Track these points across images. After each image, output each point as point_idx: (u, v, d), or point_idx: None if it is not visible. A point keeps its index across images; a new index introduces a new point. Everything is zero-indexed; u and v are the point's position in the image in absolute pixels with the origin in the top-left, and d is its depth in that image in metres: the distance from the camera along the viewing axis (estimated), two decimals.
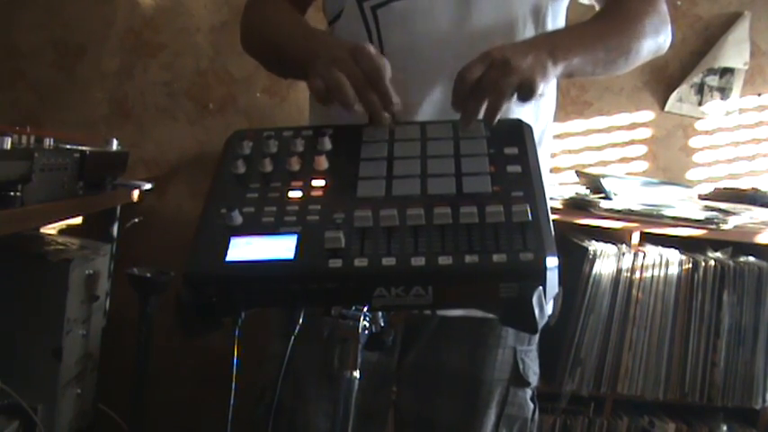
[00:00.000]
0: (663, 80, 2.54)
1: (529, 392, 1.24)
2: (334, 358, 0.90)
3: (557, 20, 1.19)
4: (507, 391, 1.21)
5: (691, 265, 2.12)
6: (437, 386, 1.22)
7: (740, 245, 2.20)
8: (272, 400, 1.12)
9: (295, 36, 1.11)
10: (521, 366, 1.22)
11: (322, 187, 0.85)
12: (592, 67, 1.09)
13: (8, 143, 1.38)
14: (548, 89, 1.02)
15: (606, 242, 2.13)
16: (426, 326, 1.21)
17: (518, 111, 1.04)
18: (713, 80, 2.56)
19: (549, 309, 1.22)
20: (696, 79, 2.54)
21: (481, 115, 0.94)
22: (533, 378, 1.25)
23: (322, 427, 1.17)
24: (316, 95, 0.95)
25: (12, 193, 1.42)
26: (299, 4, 1.24)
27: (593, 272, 2.09)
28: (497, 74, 0.93)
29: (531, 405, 1.24)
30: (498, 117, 0.94)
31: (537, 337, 1.26)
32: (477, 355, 1.21)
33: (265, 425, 1.13)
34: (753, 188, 2.48)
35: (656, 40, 1.18)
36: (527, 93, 0.95)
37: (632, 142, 2.58)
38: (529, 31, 1.15)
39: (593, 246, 2.10)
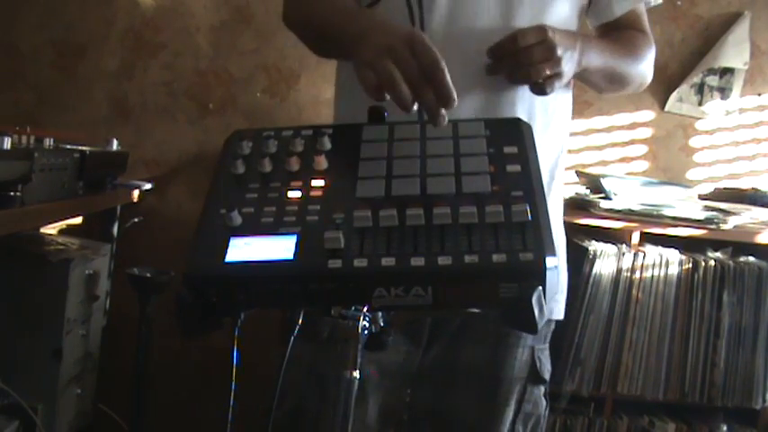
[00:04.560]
0: (663, 80, 2.54)
1: (542, 389, 1.26)
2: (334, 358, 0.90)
3: (577, 27, 1.24)
4: (525, 389, 1.23)
5: (691, 265, 2.12)
6: (457, 384, 1.23)
7: (740, 245, 2.20)
8: (293, 405, 1.12)
9: (341, 12, 1.07)
10: (538, 364, 1.24)
11: (321, 187, 0.85)
12: (599, 78, 1.19)
13: (8, 143, 1.38)
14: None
15: (606, 242, 2.13)
16: (449, 324, 1.22)
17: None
18: (713, 80, 2.56)
19: (561, 307, 1.25)
20: (696, 79, 2.54)
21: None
22: (547, 375, 1.27)
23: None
24: (366, 89, 0.88)
25: (12, 193, 1.42)
26: None
27: (593, 272, 2.08)
28: (544, 55, 1.02)
29: (544, 402, 1.26)
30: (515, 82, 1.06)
31: (550, 335, 1.29)
32: (499, 354, 1.22)
33: (288, 428, 1.13)
34: (753, 188, 2.48)
35: (646, 78, 1.29)
36: (548, 87, 1.05)
37: (632, 142, 2.58)
38: (576, 26, 1.23)
39: (593, 246, 2.10)
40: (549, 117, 1.19)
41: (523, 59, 1.03)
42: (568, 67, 1.06)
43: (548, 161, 1.20)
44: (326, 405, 1.18)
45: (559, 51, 1.04)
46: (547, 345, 1.28)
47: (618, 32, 1.26)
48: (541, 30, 1.04)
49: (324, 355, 1.09)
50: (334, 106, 1.26)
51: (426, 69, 0.85)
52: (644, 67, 1.27)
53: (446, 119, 0.86)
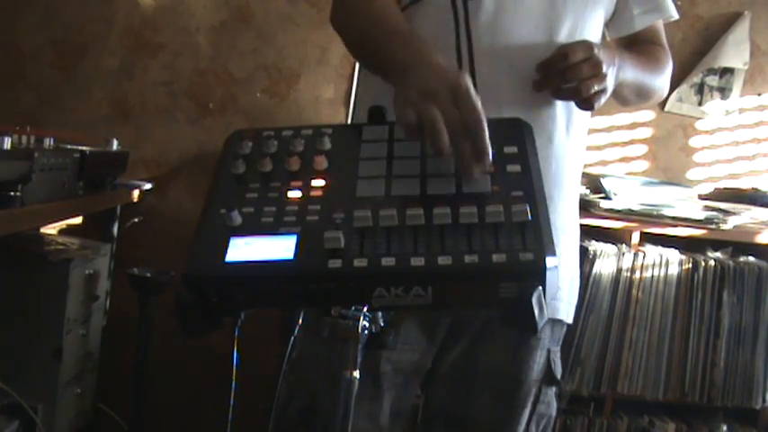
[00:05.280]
0: None
1: (555, 390, 1.27)
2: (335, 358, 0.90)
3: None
4: (540, 391, 1.24)
5: (691, 265, 2.12)
6: (476, 385, 1.23)
7: (740, 245, 2.20)
8: (305, 402, 1.12)
9: (389, 34, 1.03)
10: (553, 366, 1.25)
11: (321, 187, 0.85)
12: (630, 92, 1.23)
13: (8, 143, 1.38)
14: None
15: (606, 242, 2.13)
16: (469, 326, 1.23)
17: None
18: (713, 80, 2.56)
19: (571, 310, 1.26)
20: (696, 79, 2.54)
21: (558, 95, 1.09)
22: (559, 376, 1.28)
23: (362, 428, 1.17)
24: (404, 126, 0.85)
25: (12, 193, 1.42)
26: None
27: (594, 272, 2.08)
28: (591, 72, 1.05)
29: (555, 402, 1.28)
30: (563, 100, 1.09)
31: (561, 337, 1.29)
32: (520, 357, 1.22)
33: (299, 427, 1.13)
34: (753, 188, 2.48)
35: (665, 92, 1.34)
36: (593, 103, 1.08)
37: (632, 142, 2.58)
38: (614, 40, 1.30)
39: (593, 246, 2.10)
40: (581, 128, 1.22)
41: (572, 76, 1.06)
42: (611, 82, 1.10)
43: (576, 167, 1.24)
44: (338, 403, 1.19)
45: (605, 67, 1.07)
46: (559, 347, 1.29)
47: (639, 46, 1.29)
48: (589, 46, 1.07)
49: (338, 353, 1.10)
50: (357, 95, 1.24)
51: (468, 122, 0.83)
52: (664, 81, 1.32)
53: (479, 173, 0.83)
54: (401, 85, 0.89)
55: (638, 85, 1.24)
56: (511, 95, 1.12)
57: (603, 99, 1.10)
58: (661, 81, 1.31)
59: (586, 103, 1.09)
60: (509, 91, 1.12)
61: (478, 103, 0.84)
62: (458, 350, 1.24)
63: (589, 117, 1.26)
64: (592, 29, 1.20)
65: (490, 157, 0.83)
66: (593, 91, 1.07)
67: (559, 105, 1.17)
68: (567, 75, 1.07)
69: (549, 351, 1.24)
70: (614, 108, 2.54)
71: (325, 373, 1.12)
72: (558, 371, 1.28)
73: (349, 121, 2.37)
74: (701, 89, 2.56)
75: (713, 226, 2.12)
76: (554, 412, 1.27)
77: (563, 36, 1.15)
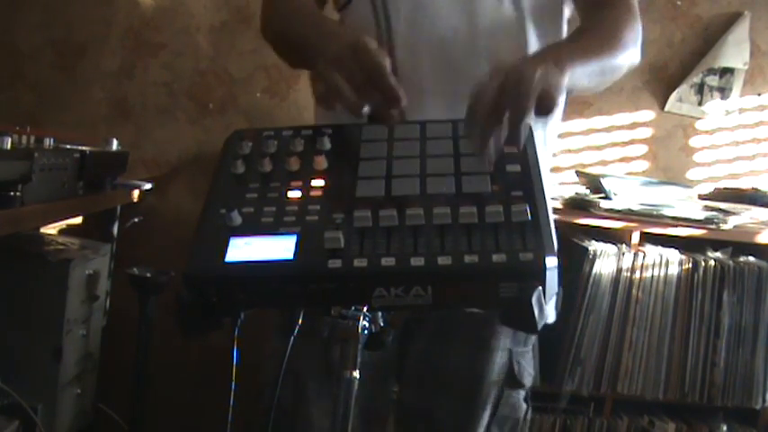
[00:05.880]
0: (663, 80, 2.54)
1: (522, 393, 1.24)
2: (335, 358, 0.90)
3: (557, 21, 1.20)
4: (501, 393, 1.21)
5: (691, 265, 2.12)
6: (439, 385, 1.22)
7: (740, 245, 2.20)
8: (271, 400, 1.12)
9: (301, 25, 1.08)
10: (516, 368, 1.22)
11: (321, 187, 0.85)
12: (587, 80, 1.08)
13: (8, 143, 1.39)
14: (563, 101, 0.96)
15: (606, 242, 2.13)
16: (426, 325, 1.22)
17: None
18: (713, 80, 2.56)
19: (551, 309, 1.23)
20: (696, 79, 2.54)
21: (502, 139, 0.87)
22: (528, 379, 1.24)
23: (324, 427, 1.16)
24: (317, 100, 0.91)
25: (12, 193, 1.42)
26: None
27: (593, 272, 2.08)
28: (516, 84, 0.86)
29: (525, 406, 1.24)
30: (524, 134, 0.86)
31: (533, 338, 1.27)
32: (480, 357, 1.21)
33: (265, 424, 1.13)
34: (753, 188, 2.48)
35: (636, 52, 1.16)
36: (548, 105, 0.89)
37: (632, 142, 2.58)
38: (532, 32, 1.15)
39: (593, 246, 2.10)
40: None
41: (499, 111, 0.87)
42: (553, 80, 0.92)
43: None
44: (302, 403, 1.18)
45: (529, 74, 0.88)
46: (529, 348, 1.25)
47: (597, 15, 1.17)
48: (495, 72, 0.90)
49: (300, 351, 1.10)
50: (314, 116, 1.25)
51: (371, 74, 0.87)
52: (631, 53, 1.16)
53: (404, 117, 0.89)
54: (313, 64, 0.93)
55: (598, 70, 1.10)
56: (433, 84, 1.10)
57: (559, 95, 0.92)
58: (625, 56, 1.14)
59: (543, 113, 0.90)
60: (432, 80, 1.10)
61: (376, 53, 0.88)
62: (417, 350, 1.22)
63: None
64: (522, 8, 1.13)
65: (403, 99, 0.88)
66: (532, 105, 0.88)
67: None
68: (497, 115, 0.87)
69: (510, 352, 1.21)
70: (614, 108, 2.56)
71: (289, 373, 1.12)
72: (527, 374, 1.24)
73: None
74: (701, 89, 2.56)
75: (713, 226, 2.12)
76: (522, 415, 1.23)
77: (488, 20, 1.11)
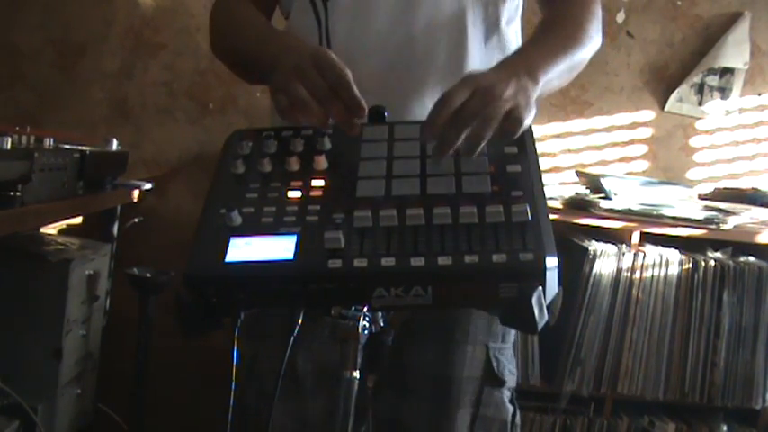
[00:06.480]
0: (663, 80, 2.54)
1: (507, 393, 1.19)
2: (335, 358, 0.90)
3: (509, 13, 1.18)
4: (481, 391, 1.16)
5: (691, 265, 2.12)
6: (407, 386, 1.18)
7: (740, 245, 2.20)
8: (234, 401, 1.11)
9: (255, 39, 1.08)
10: (494, 364, 1.17)
11: (321, 187, 0.85)
12: (558, 81, 1.07)
13: (8, 143, 1.39)
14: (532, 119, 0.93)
15: (606, 242, 2.13)
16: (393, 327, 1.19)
17: None
18: (713, 80, 2.56)
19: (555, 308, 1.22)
20: (696, 79, 2.54)
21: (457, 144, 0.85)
22: (510, 378, 1.20)
23: (288, 427, 1.15)
24: (280, 113, 0.90)
25: (12, 193, 1.42)
26: (263, 2, 1.20)
27: (593, 272, 2.08)
28: (483, 102, 0.85)
29: (511, 407, 1.19)
30: (479, 150, 0.85)
31: (512, 335, 1.22)
32: (446, 353, 1.16)
33: (229, 425, 1.12)
34: (753, 188, 2.48)
35: (596, 44, 1.14)
36: (515, 123, 0.87)
37: (632, 142, 2.58)
38: (477, 26, 1.13)
39: (593, 246, 2.10)
40: None
41: (462, 121, 0.86)
42: (523, 97, 0.90)
43: None
44: (265, 402, 1.17)
45: (500, 89, 0.87)
46: (508, 345, 1.21)
47: (560, 12, 1.15)
48: (466, 81, 0.89)
49: (267, 351, 1.08)
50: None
51: (333, 84, 0.88)
52: (595, 43, 1.14)
53: (360, 127, 0.90)
54: (271, 77, 0.93)
55: (566, 69, 1.07)
56: (376, 84, 1.04)
57: (528, 114, 0.90)
58: (590, 48, 1.12)
59: (509, 130, 0.89)
60: (373, 81, 1.04)
61: (339, 63, 0.89)
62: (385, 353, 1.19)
63: None
64: (470, 3, 1.12)
65: (365, 109, 0.88)
66: (497, 120, 0.86)
67: (428, 87, 1.09)
68: (458, 124, 0.85)
69: (487, 347, 1.17)
70: (614, 108, 2.56)
71: (253, 372, 1.12)
72: (507, 370, 1.19)
73: None
74: (701, 89, 2.56)
75: (713, 226, 2.12)
76: (509, 417, 1.18)
77: (426, 17, 1.10)
